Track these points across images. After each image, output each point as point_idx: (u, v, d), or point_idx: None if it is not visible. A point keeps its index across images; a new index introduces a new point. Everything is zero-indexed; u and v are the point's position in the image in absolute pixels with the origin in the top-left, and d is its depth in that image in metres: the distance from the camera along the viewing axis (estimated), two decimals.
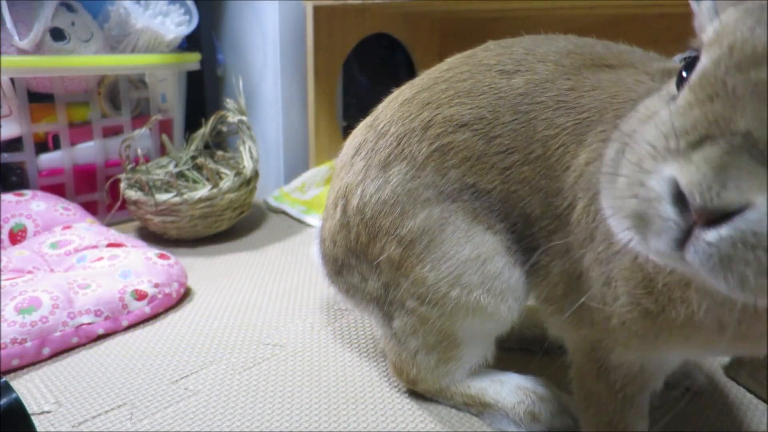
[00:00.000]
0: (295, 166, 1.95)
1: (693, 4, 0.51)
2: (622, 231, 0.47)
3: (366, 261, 0.82)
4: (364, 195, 0.80)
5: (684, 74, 0.48)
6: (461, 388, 0.84)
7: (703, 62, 0.44)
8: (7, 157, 1.53)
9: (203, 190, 1.50)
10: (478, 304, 0.75)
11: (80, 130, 1.64)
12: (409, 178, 0.76)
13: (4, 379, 0.62)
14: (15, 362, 0.95)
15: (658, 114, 0.48)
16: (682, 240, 0.41)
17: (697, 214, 0.39)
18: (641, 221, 0.43)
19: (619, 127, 0.56)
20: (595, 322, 0.65)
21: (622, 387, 0.68)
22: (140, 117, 1.77)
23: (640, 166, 0.44)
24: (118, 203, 1.64)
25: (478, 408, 0.84)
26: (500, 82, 0.75)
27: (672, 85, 0.52)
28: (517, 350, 0.97)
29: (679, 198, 0.40)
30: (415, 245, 0.76)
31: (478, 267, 0.74)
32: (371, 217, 0.79)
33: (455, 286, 0.75)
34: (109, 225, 1.51)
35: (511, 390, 0.83)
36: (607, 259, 0.62)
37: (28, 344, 0.97)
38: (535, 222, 0.72)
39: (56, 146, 1.60)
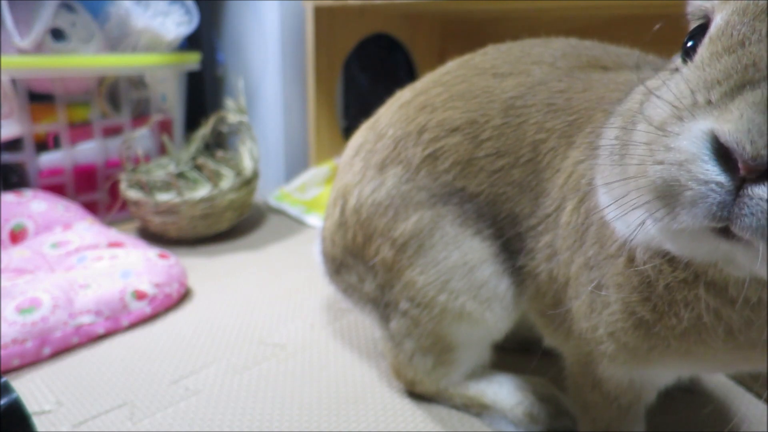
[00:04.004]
0: (295, 166, 1.95)
1: None
2: (629, 215, 0.42)
3: (362, 261, 0.83)
4: (360, 196, 0.80)
5: (690, 44, 0.44)
6: (460, 389, 0.84)
7: (722, 17, 0.40)
8: (7, 157, 1.53)
9: (203, 191, 1.51)
10: (464, 310, 0.75)
11: (80, 130, 1.64)
12: (403, 181, 0.76)
13: (4, 379, 0.62)
14: (15, 362, 0.95)
15: (666, 84, 0.42)
16: (725, 205, 0.35)
17: (747, 168, 0.33)
18: (669, 190, 0.37)
19: (614, 113, 0.54)
20: (583, 331, 0.63)
21: (616, 398, 0.66)
22: (140, 117, 1.77)
23: (663, 129, 0.39)
24: (119, 203, 1.64)
25: (477, 409, 0.84)
26: (493, 84, 0.75)
27: (675, 60, 0.49)
28: (517, 351, 0.97)
29: (720, 154, 0.35)
30: (406, 248, 0.76)
31: (464, 274, 0.74)
32: (367, 218, 0.80)
33: (442, 291, 0.75)
34: (109, 225, 1.51)
35: (509, 391, 0.83)
36: (598, 264, 0.59)
37: (29, 344, 0.97)
38: (523, 220, 0.70)
39: (56, 146, 1.60)
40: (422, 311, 0.77)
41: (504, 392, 0.83)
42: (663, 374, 0.65)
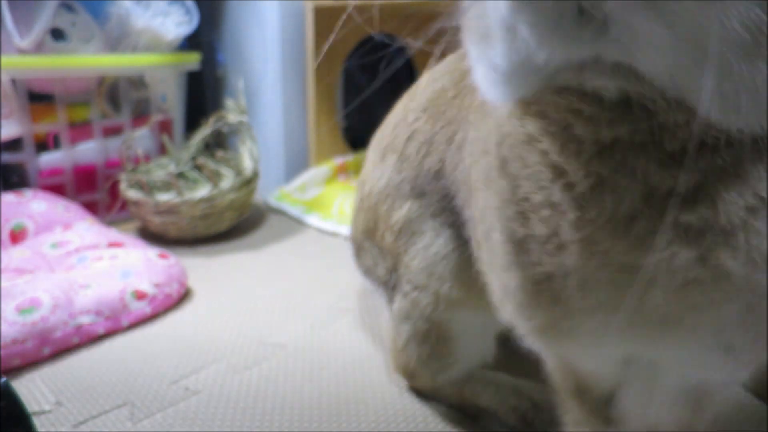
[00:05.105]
0: (295, 166, 1.95)
1: None
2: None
3: (375, 245, 0.85)
4: (371, 182, 0.83)
5: None
6: (456, 389, 0.84)
7: None
8: (7, 157, 1.53)
9: (203, 191, 1.51)
10: (451, 297, 0.75)
11: (80, 130, 1.64)
12: (396, 170, 0.78)
13: (4, 379, 0.62)
14: (15, 362, 0.95)
15: None
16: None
17: None
18: None
19: None
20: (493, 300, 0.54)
21: (571, 392, 0.57)
22: (140, 117, 1.77)
23: None
24: (119, 203, 1.64)
25: (473, 410, 0.84)
26: (459, 62, 0.74)
27: None
28: (517, 352, 0.97)
29: None
30: (401, 236, 0.78)
31: (445, 261, 0.74)
32: (375, 203, 0.82)
33: (431, 276, 0.75)
34: (109, 225, 1.51)
35: (506, 394, 0.82)
36: (483, 210, 0.50)
37: (29, 344, 0.97)
38: (465, 210, 0.67)
39: (56, 146, 1.60)
40: (420, 293, 0.78)
41: (500, 395, 0.82)
42: (583, 346, 0.48)
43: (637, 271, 0.37)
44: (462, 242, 0.73)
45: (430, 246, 0.75)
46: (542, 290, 0.43)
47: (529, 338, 0.50)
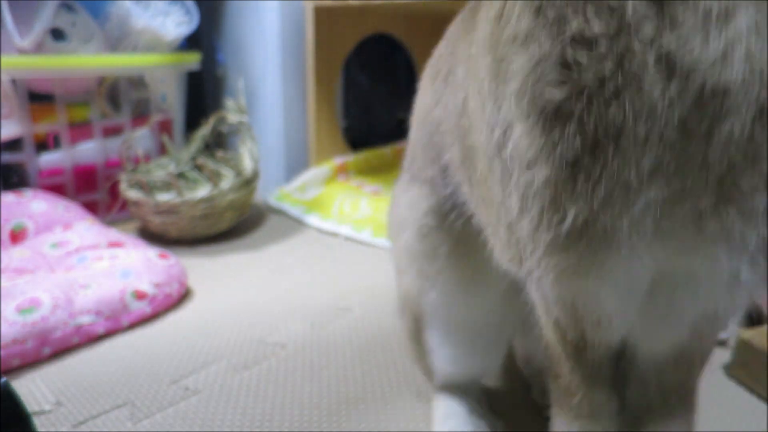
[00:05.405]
0: (295, 166, 1.95)
1: None
2: None
3: None
4: None
5: None
6: (435, 394, 0.82)
7: None
8: (7, 157, 1.53)
9: (203, 191, 1.51)
10: (419, 250, 0.69)
11: (80, 130, 1.64)
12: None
13: (4, 379, 0.62)
14: (15, 362, 0.95)
15: None
16: None
17: None
18: None
19: None
20: (492, 230, 0.47)
21: (563, 337, 0.50)
22: (140, 117, 1.77)
23: None
24: (119, 203, 1.64)
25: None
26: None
27: None
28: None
29: None
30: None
31: (416, 205, 0.69)
32: None
33: (403, 228, 0.71)
34: (109, 225, 1.51)
35: (455, 414, 0.78)
36: (493, 115, 0.41)
37: (29, 344, 0.97)
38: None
39: (56, 146, 1.60)
40: (403, 275, 0.73)
41: (450, 412, 0.78)
42: (613, 258, 0.39)
43: (717, 98, 0.31)
44: (437, 199, 0.66)
45: (405, 194, 0.71)
46: (580, 172, 0.36)
47: (549, 262, 0.41)
